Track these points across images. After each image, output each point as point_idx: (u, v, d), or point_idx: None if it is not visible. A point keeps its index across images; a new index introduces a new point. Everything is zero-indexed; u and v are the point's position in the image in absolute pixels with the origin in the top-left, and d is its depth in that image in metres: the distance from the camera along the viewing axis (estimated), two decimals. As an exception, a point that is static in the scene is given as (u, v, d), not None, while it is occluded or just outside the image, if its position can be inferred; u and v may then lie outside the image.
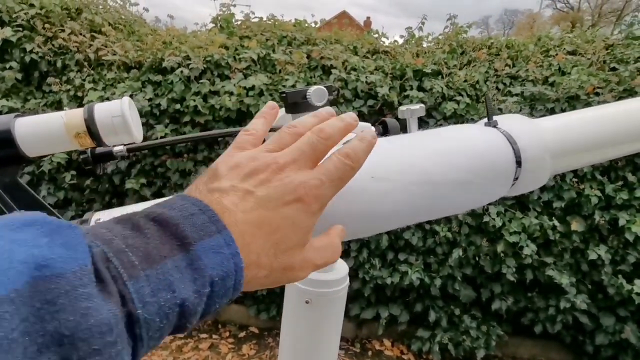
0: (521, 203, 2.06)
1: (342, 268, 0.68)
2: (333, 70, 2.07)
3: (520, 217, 2.00)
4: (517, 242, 1.96)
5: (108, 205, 2.24)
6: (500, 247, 1.98)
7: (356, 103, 2.04)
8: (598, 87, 1.94)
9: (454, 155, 0.41)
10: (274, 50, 2.22)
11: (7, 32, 2.14)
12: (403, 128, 0.64)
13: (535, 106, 2.01)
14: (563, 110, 1.96)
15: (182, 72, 2.04)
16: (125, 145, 0.48)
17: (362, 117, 2.06)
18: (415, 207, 0.40)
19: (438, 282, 2.08)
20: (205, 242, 0.22)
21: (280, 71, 2.14)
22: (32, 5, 2.29)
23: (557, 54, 2.22)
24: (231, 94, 2.01)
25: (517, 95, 2.04)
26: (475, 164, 0.41)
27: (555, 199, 1.99)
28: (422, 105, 0.51)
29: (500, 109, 1.97)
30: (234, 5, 2.47)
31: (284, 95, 0.67)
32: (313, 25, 2.62)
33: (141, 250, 0.21)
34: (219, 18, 2.45)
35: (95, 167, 0.47)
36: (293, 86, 2.02)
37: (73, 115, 0.39)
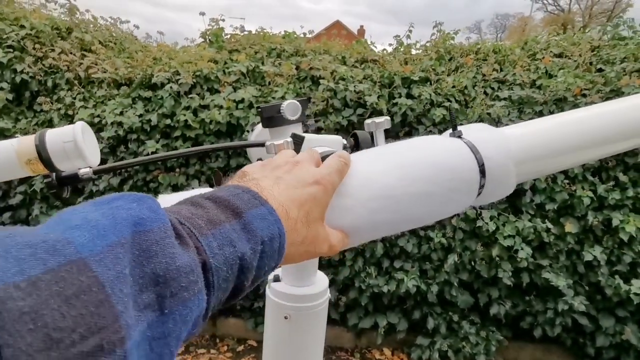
0: (514, 206, 2.06)
1: (321, 282, 0.67)
2: (321, 81, 2.08)
3: (513, 221, 1.99)
4: (511, 245, 1.95)
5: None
6: (495, 252, 1.97)
7: (345, 112, 2.05)
8: (585, 89, 1.95)
9: (416, 167, 0.41)
10: (263, 63, 2.23)
11: (-3, 54, 2.16)
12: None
13: (523, 109, 2.02)
14: (551, 113, 1.97)
15: (171, 87, 2.05)
16: (90, 167, 0.48)
17: (352, 126, 2.07)
18: (376, 222, 0.39)
19: (435, 288, 2.06)
20: (253, 211, 0.27)
21: (269, 83, 2.16)
22: (22, 27, 2.31)
23: (543, 57, 2.23)
24: (221, 107, 2.01)
25: (505, 99, 2.05)
26: (438, 175, 0.41)
27: (548, 201, 1.99)
28: (387, 118, 0.51)
29: (488, 114, 1.98)
30: (223, 20, 2.49)
31: (260, 110, 0.67)
32: (302, 36, 2.65)
33: (204, 217, 0.25)
34: (208, 33, 2.48)
35: (60, 190, 0.47)
36: (282, 97, 2.03)
37: (24, 142, 0.38)
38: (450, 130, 0.48)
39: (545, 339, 2.11)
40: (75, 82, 2.25)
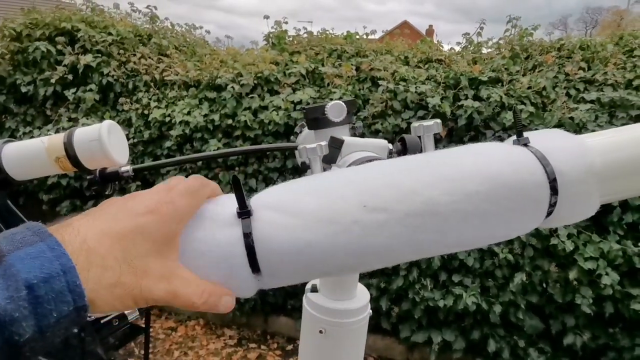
0: (599, 224, 1.80)
1: (361, 296, 0.62)
2: (381, 82, 2.01)
3: (597, 241, 1.74)
4: (593, 269, 1.71)
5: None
6: (572, 274, 1.74)
7: (405, 114, 1.95)
8: (697, 90, 1.64)
9: (467, 180, 0.35)
10: (323, 64, 2.22)
11: (88, 58, 2.42)
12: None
13: (615, 114, 1.76)
14: (651, 118, 1.69)
15: (233, 88, 2.13)
16: (132, 165, 0.48)
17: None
18: (415, 242, 0.34)
19: (498, 308, 1.88)
20: (22, 251, 0.23)
21: (328, 84, 2.14)
22: (110, 34, 2.56)
23: (643, 54, 1.93)
24: (279, 108, 2.04)
25: (592, 102, 1.80)
26: (494, 191, 0.34)
27: (643, 220, 1.71)
28: (438, 121, 0.44)
29: (571, 118, 1.75)
30: (286, 22, 2.53)
31: (304, 111, 0.64)
32: (365, 37, 2.59)
33: None
34: (271, 35, 2.53)
35: (104, 187, 0.48)
36: (340, 98, 1.99)
37: (54, 140, 0.39)
38: (515, 137, 0.40)
39: (631, 379, 1.82)
40: (152, 84, 2.44)
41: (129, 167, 0.47)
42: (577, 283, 1.75)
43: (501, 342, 1.96)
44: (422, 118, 1.94)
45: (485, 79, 1.92)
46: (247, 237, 0.31)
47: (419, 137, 0.45)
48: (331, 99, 2.03)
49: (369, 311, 0.63)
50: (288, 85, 2.15)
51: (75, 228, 0.26)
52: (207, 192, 0.33)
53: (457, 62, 2.10)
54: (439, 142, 1.95)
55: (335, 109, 0.61)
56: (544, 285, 1.83)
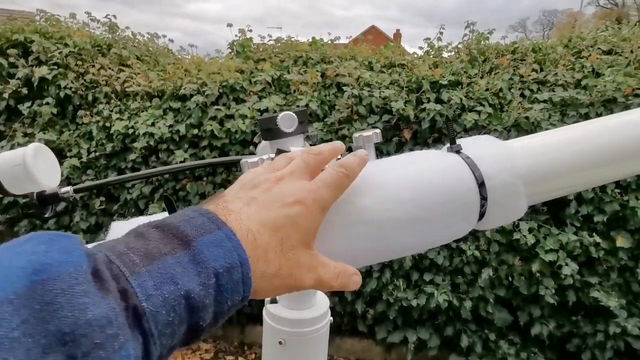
0: (557, 218, 1.90)
1: (320, 304, 0.62)
2: (345, 88, 2.04)
3: (556, 234, 1.83)
4: (554, 260, 1.79)
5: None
6: (535, 267, 1.82)
7: (371, 119, 1.99)
8: (637, 89, 1.76)
9: (401, 188, 0.36)
10: (288, 72, 2.23)
11: (43, 71, 2.32)
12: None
13: (566, 112, 1.86)
14: (598, 115, 1.79)
15: (198, 98, 2.10)
16: (72, 186, 0.47)
17: (378, 133, 2.00)
18: (354, 251, 0.34)
19: (468, 304, 1.93)
20: (206, 238, 0.24)
21: (294, 91, 2.15)
22: (66, 45, 2.46)
23: (590, 55, 2.05)
24: (245, 117, 2.03)
25: (544, 102, 1.90)
26: (428, 197, 0.35)
27: (596, 212, 1.81)
28: (377, 131, 0.46)
29: (526, 118, 1.84)
30: (250, 30, 2.52)
31: (257, 122, 0.64)
32: (330, 42, 2.62)
33: (142, 251, 0.22)
34: (235, 43, 2.52)
35: (42, 210, 0.46)
36: (306, 105, 2.01)
37: None
38: (448, 145, 0.42)
39: (595, 363, 1.91)
40: (113, 95, 2.36)
41: (69, 188, 0.46)
42: (540, 275, 1.83)
43: (473, 336, 2.01)
44: (387, 122, 1.98)
45: (446, 82, 1.98)
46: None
47: (361, 147, 0.46)
48: (298, 106, 2.04)
49: (329, 318, 0.63)
50: (254, 93, 2.14)
51: (237, 215, 0.26)
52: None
53: (418, 67, 2.16)
54: (404, 145, 2.00)
55: (286, 119, 0.61)
56: (510, 278, 1.90)
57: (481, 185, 0.36)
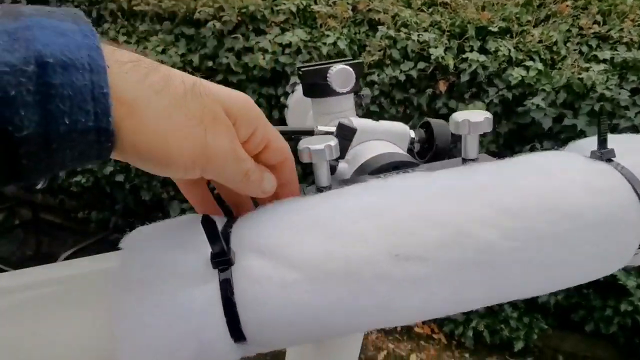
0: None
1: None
2: (380, 27, 1.81)
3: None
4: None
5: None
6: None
7: (404, 65, 1.79)
8: None
9: (535, 217, 0.25)
10: (315, 2, 1.98)
11: (42, -21, 2.08)
12: (457, 140, 0.47)
13: (626, 76, 1.65)
14: (663, 83, 1.59)
15: (214, 25, 1.89)
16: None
17: (411, 82, 1.82)
18: (458, 301, 0.25)
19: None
20: (47, 20, 0.17)
21: (321, 26, 1.92)
22: (66, -51, 2.18)
23: (665, 9, 1.78)
24: (265, 51, 1.84)
25: (604, 61, 1.68)
26: (573, 234, 0.25)
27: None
28: (489, 116, 0.32)
29: (580, 79, 1.64)
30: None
31: (300, 73, 0.50)
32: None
33: None
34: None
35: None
36: (333, 44, 1.80)
37: None
38: (596, 146, 0.29)
39: (595, 333, 1.93)
40: (119, 14, 2.15)
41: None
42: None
43: (479, 298, 2.03)
44: (423, 70, 1.78)
45: (495, 29, 1.75)
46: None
47: (462, 135, 0.33)
48: (324, 43, 1.83)
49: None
50: (276, 24, 1.92)
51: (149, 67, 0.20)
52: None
53: (464, 7, 1.90)
54: (437, 97, 1.82)
55: (340, 76, 0.48)
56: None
57: None
